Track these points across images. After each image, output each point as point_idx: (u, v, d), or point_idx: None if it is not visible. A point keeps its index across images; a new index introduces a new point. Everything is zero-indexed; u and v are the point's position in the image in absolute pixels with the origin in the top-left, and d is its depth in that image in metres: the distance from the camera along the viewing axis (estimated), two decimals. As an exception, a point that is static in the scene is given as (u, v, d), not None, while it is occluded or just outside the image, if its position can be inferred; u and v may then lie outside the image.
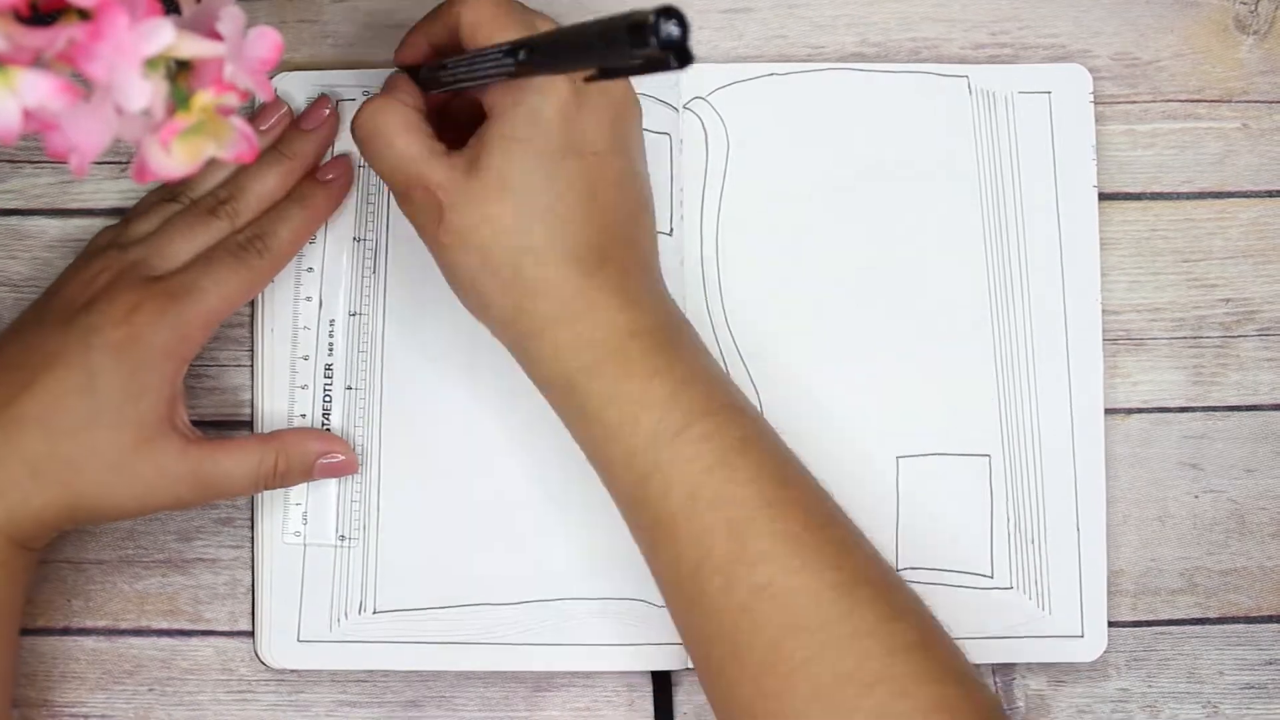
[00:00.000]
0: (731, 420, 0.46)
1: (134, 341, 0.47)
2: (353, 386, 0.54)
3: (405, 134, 0.47)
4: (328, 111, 0.53)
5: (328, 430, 0.54)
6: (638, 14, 0.34)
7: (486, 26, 0.46)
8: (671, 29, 0.33)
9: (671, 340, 0.47)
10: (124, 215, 0.54)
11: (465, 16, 0.47)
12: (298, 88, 0.55)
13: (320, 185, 0.52)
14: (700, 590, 0.45)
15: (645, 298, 0.48)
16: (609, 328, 0.46)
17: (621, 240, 0.48)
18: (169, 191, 0.52)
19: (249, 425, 0.54)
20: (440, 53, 0.50)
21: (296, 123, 0.53)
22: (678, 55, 0.34)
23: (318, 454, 0.52)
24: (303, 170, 0.53)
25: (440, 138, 0.48)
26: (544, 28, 0.47)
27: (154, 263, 0.49)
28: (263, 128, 0.53)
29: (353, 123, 0.48)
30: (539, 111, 0.45)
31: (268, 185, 0.51)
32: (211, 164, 0.50)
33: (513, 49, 0.43)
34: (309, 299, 0.54)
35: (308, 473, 0.52)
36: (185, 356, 0.49)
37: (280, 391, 0.54)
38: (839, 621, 0.44)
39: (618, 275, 0.47)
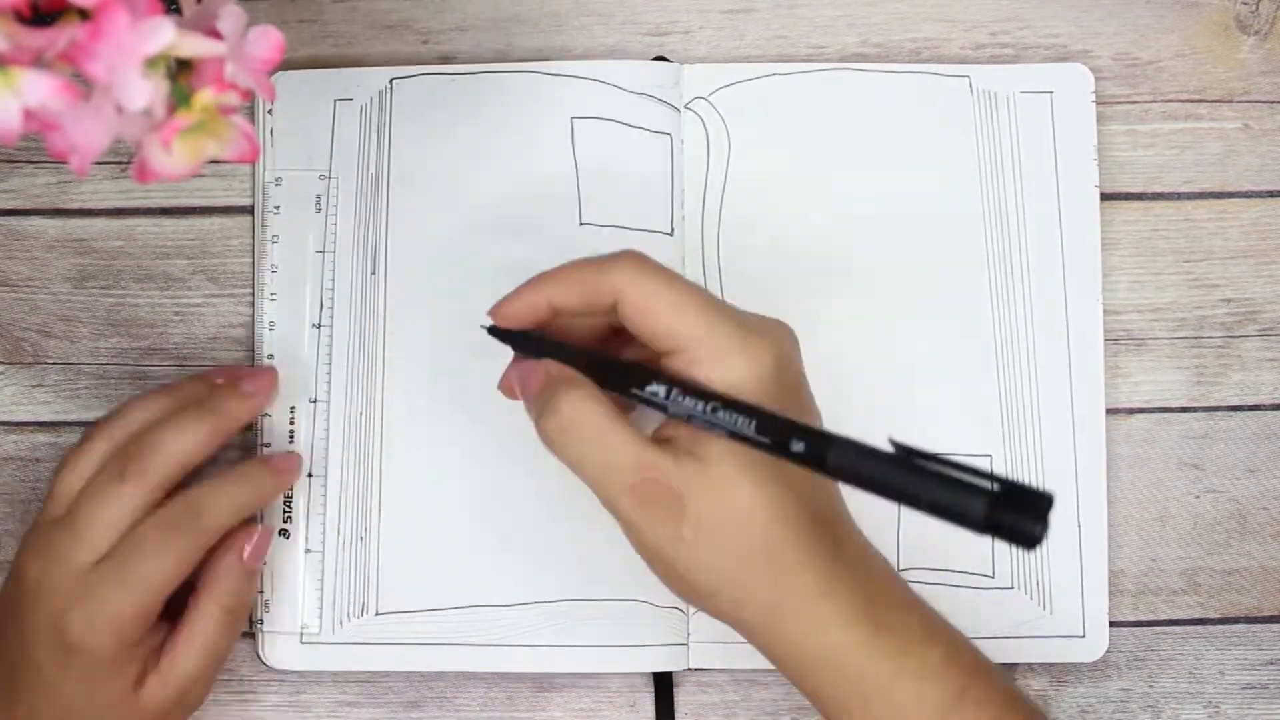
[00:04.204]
0: (989, 675, 0.44)
1: (74, 651, 0.46)
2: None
3: (616, 424, 0.43)
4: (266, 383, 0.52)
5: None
6: (998, 489, 0.31)
7: (664, 309, 0.42)
8: (1035, 531, 0.30)
9: (908, 593, 0.45)
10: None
11: (630, 296, 0.43)
12: (298, 87, 0.55)
13: (269, 470, 0.51)
14: None
15: (870, 554, 0.45)
16: (865, 596, 0.43)
17: (825, 498, 0.45)
18: (97, 428, 0.50)
19: (248, 425, 0.54)
20: (555, 317, 0.45)
21: (236, 382, 0.51)
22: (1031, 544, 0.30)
23: (238, 558, 0.50)
24: (226, 434, 0.50)
25: None
26: (719, 301, 0.44)
27: (71, 547, 0.47)
28: (247, 389, 0.51)
29: (542, 422, 0.43)
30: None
31: (184, 445, 0.48)
32: (139, 401, 0.49)
33: (790, 433, 0.40)
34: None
35: (249, 575, 0.50)
36: (132, 640, 0.47)
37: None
38: None
39: (844, 532, 0.44)
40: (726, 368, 0.42)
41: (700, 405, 0.42)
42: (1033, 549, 0.30)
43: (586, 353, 0.45)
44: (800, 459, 0.40)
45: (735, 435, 0.41)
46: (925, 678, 0.43)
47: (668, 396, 0.42)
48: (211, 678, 0.50)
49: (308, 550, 0.54)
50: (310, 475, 0.54)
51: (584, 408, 0.43)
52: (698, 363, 0.43)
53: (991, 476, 0.32)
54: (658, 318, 0.43)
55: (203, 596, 0.49)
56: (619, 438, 0.42)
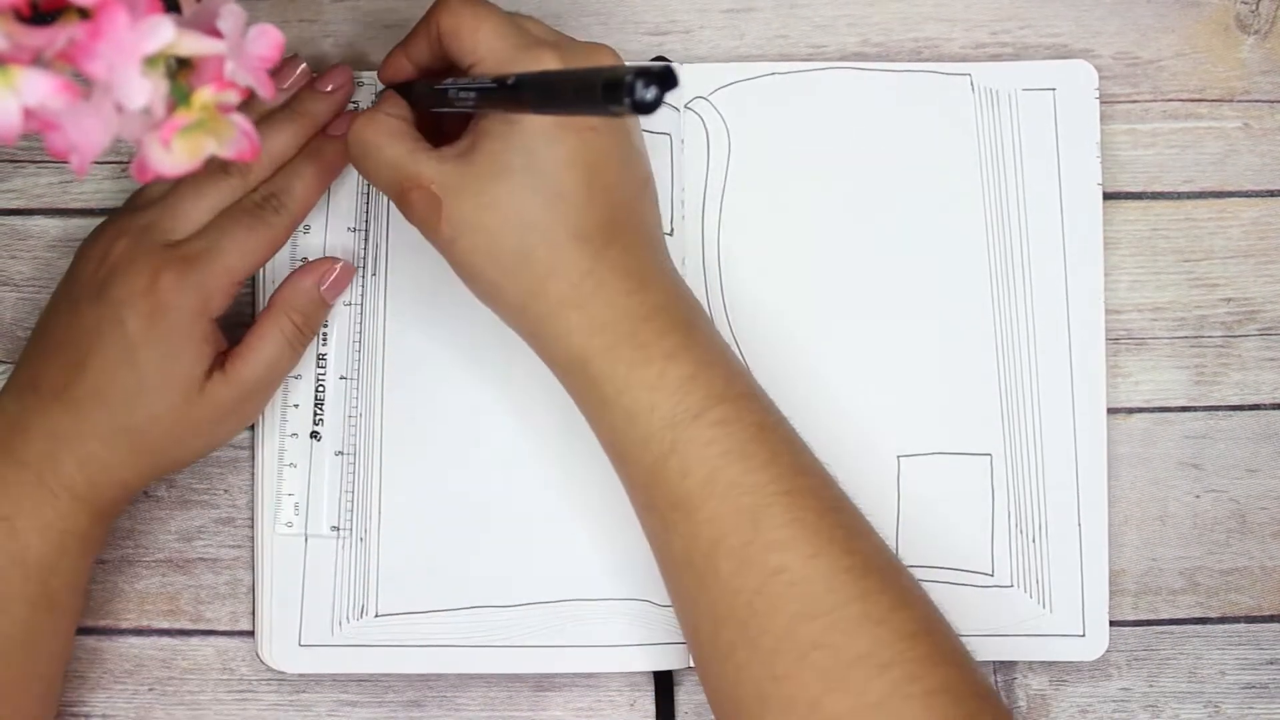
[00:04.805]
0: (748, 406, 0.47)
1: (162, 310, 0.48)
2: (346, 377, 0.54)
3: (391, 141, 0.48)
4: (344, 78, 0.53)
5: (314, 262, 0.53)
6: (614, 71, 0.34)
7: (465, 28, 0.47)
8: (645, 94, 0.34)
9: (685, 320, 0.48)
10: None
11: (444, 23, 0.47)
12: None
13: (332, 140, 0.52)
14: (714, 571, 0.45)
15: (655, 276, 0.48)
16: (621, 310, 0.46)
17: (627, 217, 0.47)
18: None
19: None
20: (424, 70, 0.50)
21: (313, 84, 0.52)
22: (648, 109, 0.34)
23: (316, 285, 0.52)
24: (315, 130, 0.52)
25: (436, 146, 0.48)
26: (529, 27, 0.47)
27: (167, 225, 0.49)
28: (282, 86, 0.52)
29: (349, 149, 0.49)
30: None
31: (279, 144, 0.51)
32: None
33: (503, 79, 0.43)
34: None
35: (322, 305, 0.52)
36: (213, 313, 0.49)
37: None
38: (851, 606, 0.44)
39: (626, 254, 0.47)
40: (507, 68, 0.46)
41: (453, 81, 0.46)
42: (649, 113, 0.34)
43: (423, 82, 0.49)
44: (509, 98, 0.43)
45: (484, 95, 0.44)
46: (660, 390, 0.46)
47: (451, 87, 0.46)
48: (267, 395, 0.52)
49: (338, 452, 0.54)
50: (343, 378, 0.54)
51: (367, 132, 0.48)
52: (485, 68, 0.46)
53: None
54: (461, 38, 0.47)
55: (274, 312, 0.51)
56: (392, 152, 0.47)
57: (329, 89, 0.52)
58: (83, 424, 0.48)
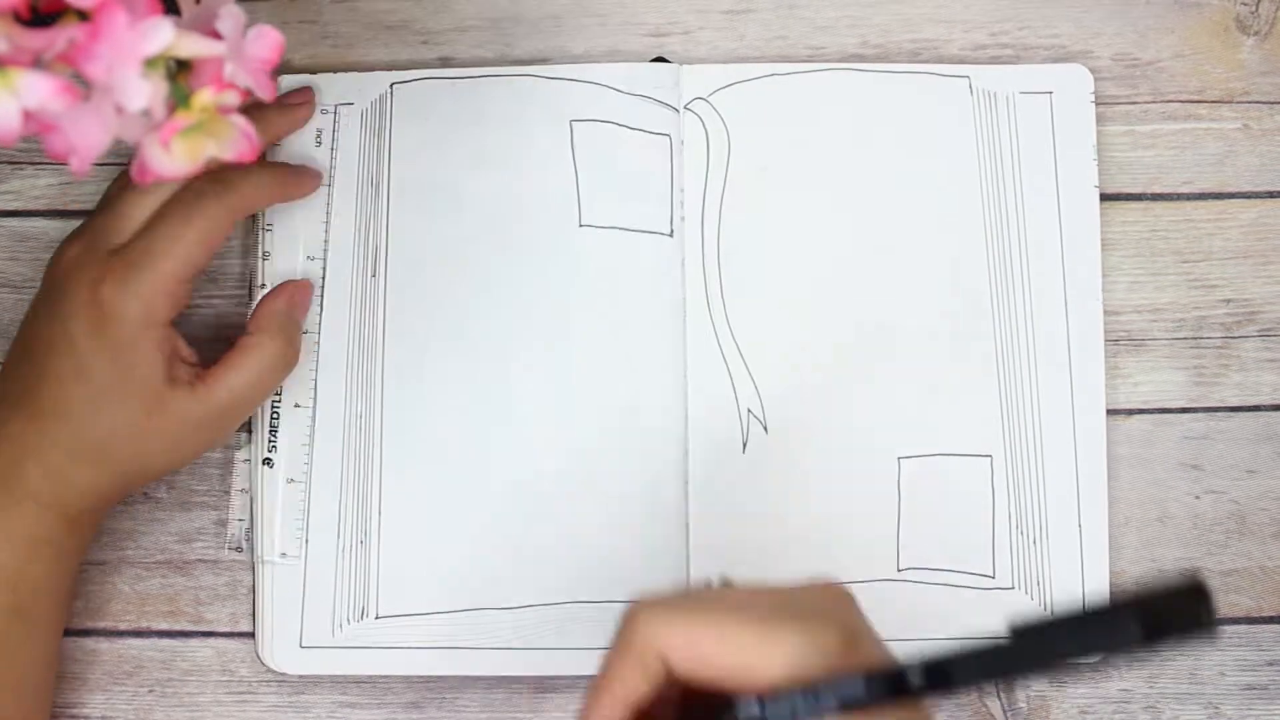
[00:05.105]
0: None
1: (107, 321, 0.47)
2: (301, 405, 0.54)
3: None
4: (306, 97, 0.53)
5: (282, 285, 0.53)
6: (1150, 595, 0.29)
7: (709, 641, 0.38)
8: (1202, 615, 0.28)
9: None
10: None
11: (670, 643, 0.38)
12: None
13: (291, 165, 0.52)
14: None
15: None
16: None
17: None
18: None
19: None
20: (642, 709, 0.39)
21: (278, 100, 0.52)
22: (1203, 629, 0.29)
23: (287, 307, 0.52)
24: (269, 141, 0.52)
25: None
26: (764, 598, 0.40)
27: (112, 228, 0.48)
28: (291, 101, 0.53)
29: None
30: None
31: (229, 152, 0.50)
32: None
33: (891, 679, 0.36)
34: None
35: (296, 325, 0.52)
36: (160, 319, 0.48)
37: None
38: None
39: None
40: (787, 656, 0.37)
41: (799, 698, 0.37)
42: (1212, 632, 0.30)
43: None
44: (922, 691, 0.36)
45: (847, 705, 0.36)
46: None
47: (762, 710, 0.37)
48: (243, 414, 0.51)
49: (290, 480, 0.54)
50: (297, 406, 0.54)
51: None
52: (753, 668, 0.37)
53: (1116, 604, 0.30)
54: (711, 660, 0.38)
55: (250, 335, 0.51)
56: None
57: (291, 104, 0.52)
58: (44, 437, 0.48)
